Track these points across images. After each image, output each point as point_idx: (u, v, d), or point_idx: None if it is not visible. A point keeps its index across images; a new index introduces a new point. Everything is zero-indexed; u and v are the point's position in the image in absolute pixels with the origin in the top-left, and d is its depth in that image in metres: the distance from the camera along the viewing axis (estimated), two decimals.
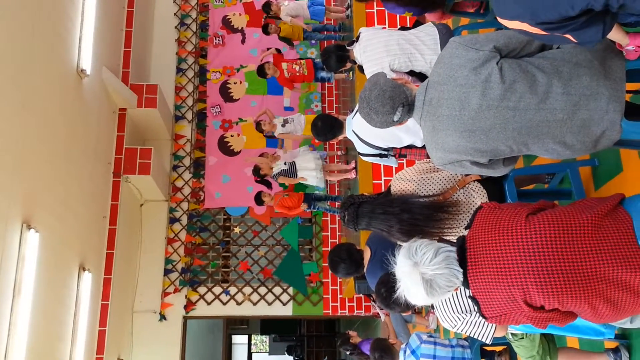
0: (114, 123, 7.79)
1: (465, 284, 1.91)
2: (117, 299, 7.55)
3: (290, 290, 8.81)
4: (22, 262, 5.02)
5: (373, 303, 8.10)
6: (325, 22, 8.48)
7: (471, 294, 1.92)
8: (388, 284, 2.55)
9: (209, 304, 8.68)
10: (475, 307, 1.95)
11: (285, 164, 7.34)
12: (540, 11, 1.67)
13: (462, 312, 2.53)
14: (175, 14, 9.84)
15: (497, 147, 2.07)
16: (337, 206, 7.47)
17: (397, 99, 2.10)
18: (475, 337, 2.58)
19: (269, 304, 8.76)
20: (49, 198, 5.74)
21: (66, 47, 6.25)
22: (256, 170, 7.38)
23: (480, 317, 2.55)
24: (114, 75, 7.54)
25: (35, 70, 5.43)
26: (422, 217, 2.55)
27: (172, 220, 8.92)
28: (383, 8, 6.35)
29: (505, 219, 1.91)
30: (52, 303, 5.81)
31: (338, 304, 8.74)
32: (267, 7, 8.23)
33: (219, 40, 9.72)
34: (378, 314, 7.59)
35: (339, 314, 8.87)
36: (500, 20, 1.85)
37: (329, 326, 15.38)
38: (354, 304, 8.73)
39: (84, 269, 6.56)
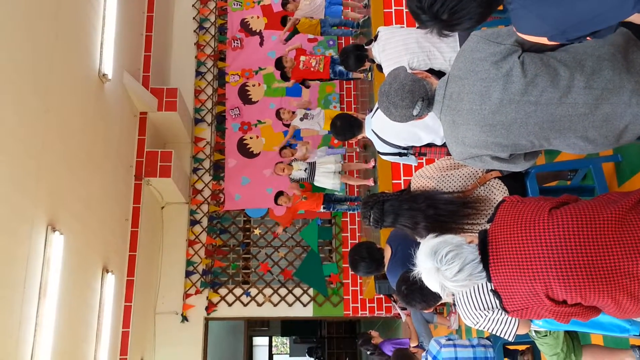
0: (135, 126, 7.89)
1: (488, 277, 1.90)
2: (139, 301, 7.64)
3: (311, 291, 8.82)
4: (47, 264, 5.11)
5: (394, 303, 8.08)
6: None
7: (493, 288, 1.91)
8: (409, 281, 2.55)
9: (229, 305, 8.74)
10: (497, 301, 1.95)
11: (305, 170, 7.34)
12: (571, 31, 1.64)
13: (485, 309, 2.52)
14: (194, 18, 9.93)
15: (518, 141, 2.05)
16: (356, 205, 7.45)
17: (416, 92, 2.10)
18: (498, 334, 2.56)
19: (290, 305, 8.78)
20: (73, 201, 5.82)
21: (88, 52, 6.35)
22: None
23: (503, 315, 2.54)
24: (135, 80, 7.63)
25: (58, 75, 5.52)
26: (448, 212, 2.54)
27: (193, 223, 8.99)
28: (401, 7, 6.34)
29: (527, 212, 1.90)
30: (77, 304, 5.90)
31: (359, 304, 8.74)
32: (285, 4, 8.25)
33: (237, 43, 9.78)
34: (399, 314, 7.57)
35: (359, 315, 8.86)
36: (518, 33, 1.83)
37: (349, 328, 15.35)
38: (375, 304, 8.71)
39: (107, 271, 6.65)
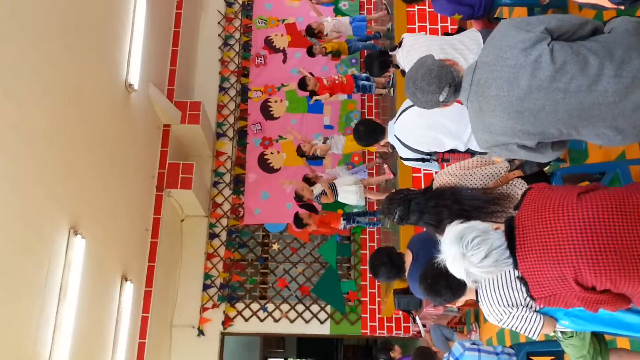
0: (158, 138, 7.97)
1: (514, 264, 1.87)
2: (156, 312, 7.61)
3: (328, 308, 8.73)
4: (68, 266, 5.12)
5: (413, 322, 7.96)
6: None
7: (520, 275, 1.88)
8: (434, 268, 2.51)
9: (246, 320, 8.67)
10: (524, 289, 1.91)
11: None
12: None
13: (509, 306, 2.47)
14: (219, 35, 10.09)
15: (546, 129, 2.04)
16: (377, 220, 7.41)
17: (443, 78, 2.10)
18: (522, 332, 2.51)
19: (307, 322, 8.70)
20: (95, 207, 5.87)
21: (116, 63, 6.47)
22: (298, 197, 7.38)
23: (528, 312, 2.49)
24: (160, 92, 7.74)
25: (87, 83, 5.62)
26: (472, 208, 2.53)
27: (212, 236, 9.00)
28: (424, 24, 6.39)
29: (556, 197, 1.88)
30: (95, 310, 5.90)
31: (376, 323, 8.62)
32: (309, 30, 8.35)
33: (260, 60, 9.91)
34: (419, 332, 7.46)
35: (377, 334, 8.72)
36: None
37: (366, 352, 15.13)
38: (393, 324, 8.59)
39: (126, 279, 6.66)
